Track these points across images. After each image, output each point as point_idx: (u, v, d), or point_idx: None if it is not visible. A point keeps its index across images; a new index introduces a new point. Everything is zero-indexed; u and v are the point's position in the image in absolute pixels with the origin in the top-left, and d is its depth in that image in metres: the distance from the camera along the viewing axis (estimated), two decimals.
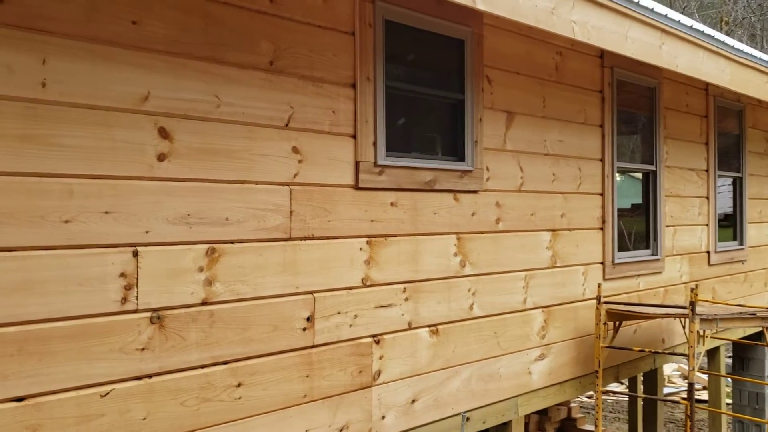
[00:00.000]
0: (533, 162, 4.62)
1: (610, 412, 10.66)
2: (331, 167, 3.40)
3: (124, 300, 2.65)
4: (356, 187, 3.52)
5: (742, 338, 7.31)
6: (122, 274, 2.64)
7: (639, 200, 6.08)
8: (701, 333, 4.80)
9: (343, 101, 3.44)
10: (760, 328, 5.28)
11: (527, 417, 8.38)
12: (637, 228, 5.96)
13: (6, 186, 2.37)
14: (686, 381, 11.92)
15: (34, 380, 2.43)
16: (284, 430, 3.18)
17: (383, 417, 3.63)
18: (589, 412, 10.27)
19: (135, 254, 2.68)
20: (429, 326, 3.91)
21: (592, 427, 8.76)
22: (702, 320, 4.64)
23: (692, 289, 4.63)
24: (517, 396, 4.48)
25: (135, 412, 2.68)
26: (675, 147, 6.19)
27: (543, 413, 8.44)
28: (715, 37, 5.24)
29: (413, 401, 3.80)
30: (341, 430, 3.43)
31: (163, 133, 2.77)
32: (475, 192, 4.20)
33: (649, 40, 4.51)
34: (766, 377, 7.91)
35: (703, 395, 8.96)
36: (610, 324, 4.97)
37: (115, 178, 2.64)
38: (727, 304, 6.33)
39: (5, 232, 2.38)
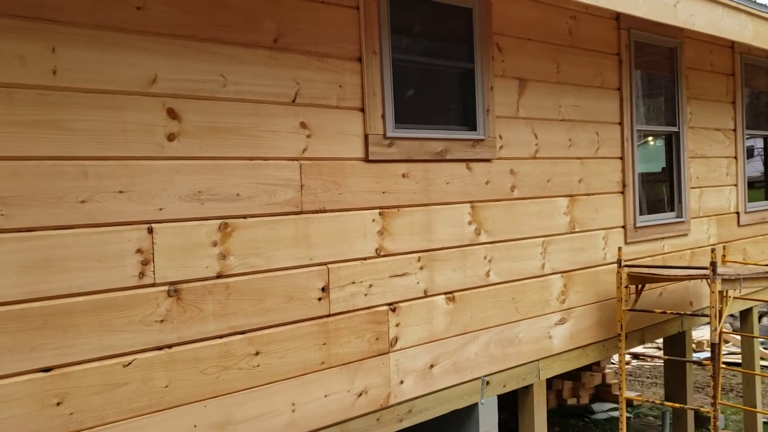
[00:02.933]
0: (548, 128, 4.63)
1: (648, 377, 10.63)
2: (340, 141, 3.48)
3: (142, 275, 2.78)
4: (366, 159, 3.59)
5: None
6: (139, 250, 2.77)
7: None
8: (724, 294, 4.77)
9: (349, 75, 3.51)
10: None
11: (561, 383, 8.45)
12: (661, 191, 5.91)
13: (24, 169, 2.51)
14: (728, 345, 11.79)
15: (60, 352, 2.58)
16: (303, 395, 3.31)
17: (401, 382, 3.74)
18: (626, 378, 10.26)
19: (150, 231, 2.80)
20: (445, 293, 3.99)
21: (628, 392, 8.78)
22: (724, 280, 4.62)
23: (713, 250, 4.60)
24: (537, 360, 4.54)
25: (157, 380, 2.82)
26: (699, 107, 6.09)
27: (577, 379, 8.48)
28: None
29: (431, 366, 3.90)
30: (360, 394, 3.55)
31: (172, 114, 2.88)
32: (488, 160, 4.23)
33: None
34: None
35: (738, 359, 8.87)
36: (633, 287, 4.97)
37: (127, 158, 2.76)
38: (757, 264, 6.26)
39: (26, 213, 2.52)
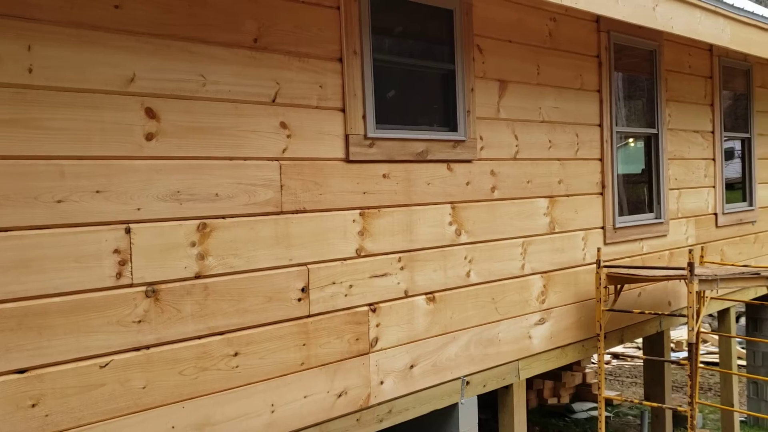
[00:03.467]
0: (528, 130, 4.65)
1: (628, 377, 10.73)
2: (321, 141, 3.47)
3: (119, 275, 2.76)
4: (347, 160, 3.59)
5: (755, 299, 7.31)
6: (116, 251, 2.75)
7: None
8: (702, 294, 4.83)
9: (330, 75, 3.50)
10: None
11: (542, 383, 8.51)
12: (640, 192, 5.97)
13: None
14: (707, 344, 11.92)
15: (36, 353, 2.55)
16: (283, 396, 3.30)
17: (382, 382, 3.74)
18: (606, 378, 10.35)
19: (127, 231, 2.79)
20: (425, 294, 4.00)
21: (608, 392, 8.84)
22: (701, 281, 4.67)
23: (690, 251, 4.65)
24: (517, 360, 4.56)
25: (134, 381, 2.80)
26: (678, 109, 6.16)
27: (557, 379, 8.54)
28: None
29: (412, 366, 3.90)
30: (340, 395, 3.54)
31: (150, 113, 2.86)
32: (469, 161, 4.25)
33: (641, 1, 4.49)
34: None
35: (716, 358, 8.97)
36: (612, 288, 5.01)
37: (105, 158, 2.74)
38: (734, 265, 6.34)
39: (1, 213, 2.49)
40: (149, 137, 2.85)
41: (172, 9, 2.93)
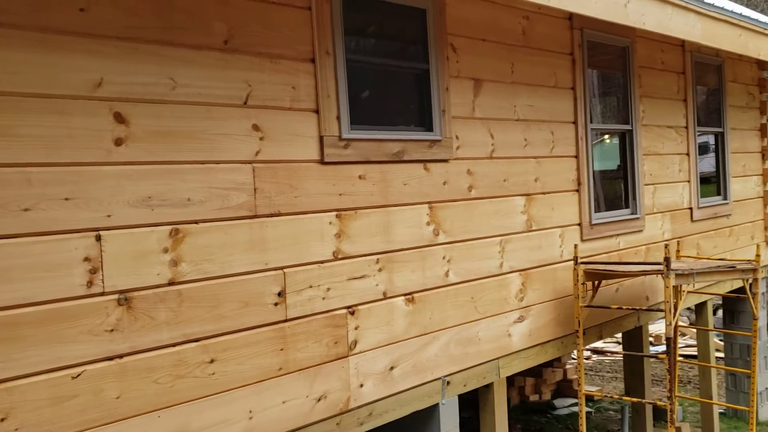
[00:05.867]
0: (504, 128, 4.65)
1: (608, 372, 10.80)
2: (295, 143, 3.44)
3: (90, 283, 2.71)
4: (322, 161, 3.56)
5: (731, 292, 7.39)
6: (86, 259, 2.70)
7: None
8: (678, 288, 4.87)
9: (303, 76, 3.47)
10: (745, 282, 5.34)
11: (523, 380, 8.53)
12: (616, 188, 6.00)
13: None
14: (685, 338, 12.04)
15: (5, 365, 2.49)
16: (261, 402, 3.26)
17: (361, 385, 3.72)
18: (586, 373, 10.42)
19: (98, 238, 2.73)
20: (404, 295, 3.98)
21: (589, 387, 8.90)
22: (678, 275, 4.70)
23: (666, 245, 4.68)
24: (497, 358, 4.56)
25: (108, 391, 2.75)
26: (652, 105, 6.20)
27: (538, 376, 8.57)
28: None
29: (391, 368, 3.88)
30: (319, 399, 3.51)
31: (119, 118, 2.81)
32: (445, 161, 4.24)
33: None
34: (761, 328, 7.99)
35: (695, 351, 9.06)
36: (589, 284, 5.03)
37: (73, 164, 2.68)
38: (710, 258, 6.40)
39: None
40: (118, 142, 2.80)
41: (139, 12, 2.88)
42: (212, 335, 3.08)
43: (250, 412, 3.22)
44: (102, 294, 2.74)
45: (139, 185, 2.85)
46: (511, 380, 8.26)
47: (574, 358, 9.59)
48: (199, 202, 3.04)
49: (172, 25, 2.98)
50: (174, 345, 2.95)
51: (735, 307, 7.97)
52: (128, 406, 2.81)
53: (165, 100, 2.95)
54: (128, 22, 2.84)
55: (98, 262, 2.73)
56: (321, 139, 3.55)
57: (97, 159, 2.74)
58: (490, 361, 4.50)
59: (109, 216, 2.76)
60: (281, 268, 3.36)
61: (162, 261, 2.91)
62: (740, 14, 6.11)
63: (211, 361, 3.08)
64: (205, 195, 3.06)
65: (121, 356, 2.79)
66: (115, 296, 2.78)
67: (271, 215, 3.32)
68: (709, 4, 5.55)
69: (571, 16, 5.18)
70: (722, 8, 5.79)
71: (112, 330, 2.76)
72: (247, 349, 3.21)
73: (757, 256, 5.45)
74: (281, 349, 3.35)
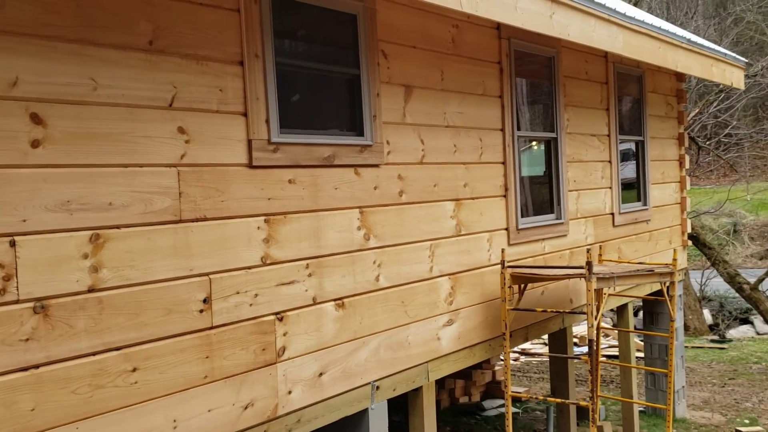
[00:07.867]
0: (434, 134, 4.71)
1: (536, 373, 11.06)
2: (222, 146, 3.39)
3: (4, 291, 2.59)
4: (250, 165, 3.51)
5: (650, 294, 7.69)
6: (0, 265, 2.58)
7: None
8: (600, 291, 5.02)
9: (230, 79, 3.42)
10: (663, 285, 5.56)
11: (453, 382, 8.64)
12: (542, 194, 6.15)
13: None
14: (608, 338, 12.43)
15: None
16: (186, 411, 3.19)
17: (290, 392, 3.68)
18: (515, 374, 10.63)
19: (12, 244, 2.62)
20: (334, 300, 3.97)
21: (516, 388, 9.08)
22: (599, 279, 4.86)
23: (588, 250, 4.83)
24: (427, 362, 4.60)
25: (22, 403, 2.63)
26: (576, 114, 6.39)
27: (468, 378, 8.70)
28: (607, 5, 5.41)
29: (321, 374, 3.86)
30: (246, 407, 3.46)
31: (36, 119, 2.70)
32: (376, 166, 4.25)
33: (539, 9, 4.62)
34: (677, 329, 8.35)
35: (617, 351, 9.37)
36: (516, 287, 5.14)
37: None
38: (630, 262, 6.64)
39: None
40: (35, 144, 2.69)
41: (59, 9, 2.78)
42: (134, 343, 3.00)
43: (174, 421, 3.14)
44: (16, 302, 2.63)
45: (58, 189, 2.75)
46: (441, 383, 8.35)
47: (502, 360, 9.77)
48: (121, 207, 2.95)
49: (94, 24, 2.89)
50: (94, 354, 2.86)
51: (654, 309, 8.30)
52: (44, 418, 2.70)
53: (85, 101, 2.85)
54: (47, 19, 2.74)
55: (12, 268, 2.61)
56: (249, 142, 3.50)
57: (12, 161, 2.63)
58: (419, 365, 4.54)
59: (24, 221, 2.65)
60: (207, 274, 3.30)
61: (81, 267, 2.82)
62: (659, 27, 6.37)
63: (134, 370, 2.99)
64: (127, 199, 2.98)
65: (36, 366, 2.68)
66: (31, 304, 2.67)
67: (197, 220, 3.26)
68: (630, 18, 5.77)
69: (499, 26, 5.29)
70: (643, 21, 6.02)
71: (27, 339, 2.65)
72: (171, 357, 3.13)
73: (674, 260, 5.68)
74: (207, 357, 3.29)
